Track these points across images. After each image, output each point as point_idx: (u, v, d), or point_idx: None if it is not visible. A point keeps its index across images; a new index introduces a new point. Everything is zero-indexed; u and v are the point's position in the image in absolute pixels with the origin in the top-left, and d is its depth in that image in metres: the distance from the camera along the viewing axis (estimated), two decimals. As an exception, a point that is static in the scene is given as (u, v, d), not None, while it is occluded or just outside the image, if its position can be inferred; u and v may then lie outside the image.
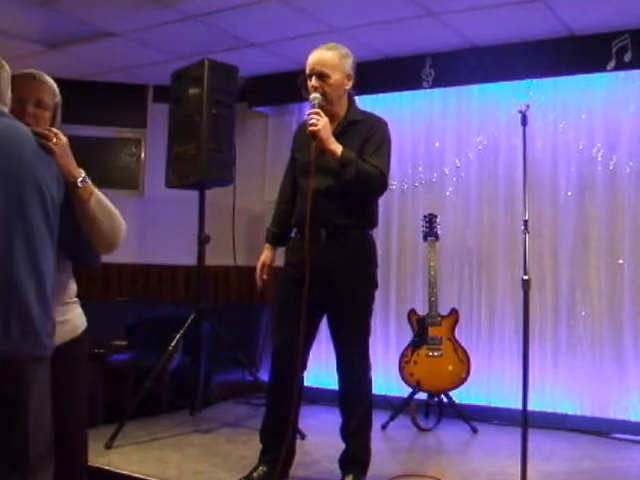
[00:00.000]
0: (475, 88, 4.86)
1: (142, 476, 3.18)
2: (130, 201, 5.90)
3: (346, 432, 3.10)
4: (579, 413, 4.41)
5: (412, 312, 4.54)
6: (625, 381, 4.29)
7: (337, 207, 3.01)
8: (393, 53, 4.90)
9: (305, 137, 3.03)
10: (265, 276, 3.26)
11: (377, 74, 4.93)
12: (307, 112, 3.01)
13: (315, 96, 3.00)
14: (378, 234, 5.14)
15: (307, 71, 3.07)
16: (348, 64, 3.08)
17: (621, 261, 4.37)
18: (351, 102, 3.16)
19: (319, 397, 4.92)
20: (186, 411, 4.47)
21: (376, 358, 5.03)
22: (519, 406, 3.04)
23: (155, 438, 3.89)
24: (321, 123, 2.90)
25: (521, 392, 2.99)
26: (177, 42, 4.78)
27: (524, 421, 2.93)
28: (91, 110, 5.86)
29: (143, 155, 5.99)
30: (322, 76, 3.01)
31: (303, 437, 3.91)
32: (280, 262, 3.26)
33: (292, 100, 5.32)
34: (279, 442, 3.00)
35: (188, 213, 4.66)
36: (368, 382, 3.14)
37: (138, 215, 5.84)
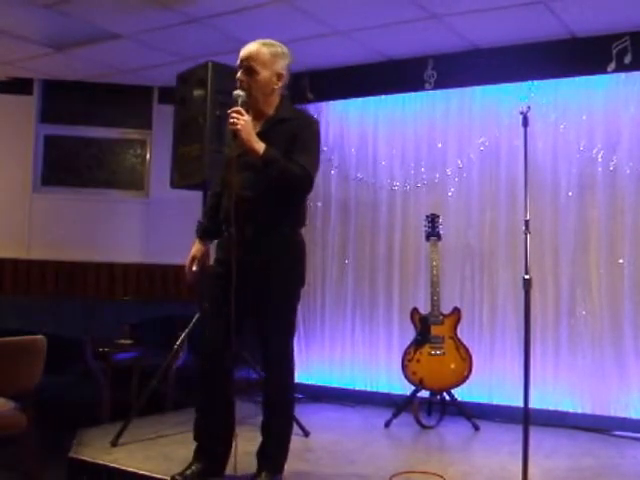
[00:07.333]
0: (477, 89, 4.90)
1: (148, 473, 3.21)
2: (135, 202, 5.96)
3: (267, 430, 3.04)
4: (580, 411, 4.45)
5: (415, 311, 4.58)
6: (625, 379, 4.33)
7: (262, 205, 2.89)
8: (396, 55, 4.94)
9: (230, 132, 2.88)
10: (194, 268, 3.16)
11: (380, 76, 4.99)
12: (229, 110, 2.88)
13: (238, 93, 2.87)
14: (381, 234, 5.23)
15: (238, 62, 2.95)
16: (281, 64, 2.95)
17: (621, 261, 4.40)
18: (282, 101, 3.03)
19: (323, 395, 4.98)
20: (191, 409, 4.47)
21: (379, 356, 5.12)
22: (520, 404, 3.06)
23: (161, 435, 3.93)
24: (241, 122, 2.79)
25: (522, 390, 3.02)
26: (182, 44, 4.83)
27: (525, 419, 2.95)
28: (97, 111, 5.93)
29: (148, 156, 6.03)
30: (250, 71, 2.90)
31: (307, 434, 3.96)
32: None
33: (295, 102, 5.34)
34: (215, 442, 3.03)
35: (192, 213, 4.68)
36: (289, 385, 3.07)
37: (143, 215, 5.90)
